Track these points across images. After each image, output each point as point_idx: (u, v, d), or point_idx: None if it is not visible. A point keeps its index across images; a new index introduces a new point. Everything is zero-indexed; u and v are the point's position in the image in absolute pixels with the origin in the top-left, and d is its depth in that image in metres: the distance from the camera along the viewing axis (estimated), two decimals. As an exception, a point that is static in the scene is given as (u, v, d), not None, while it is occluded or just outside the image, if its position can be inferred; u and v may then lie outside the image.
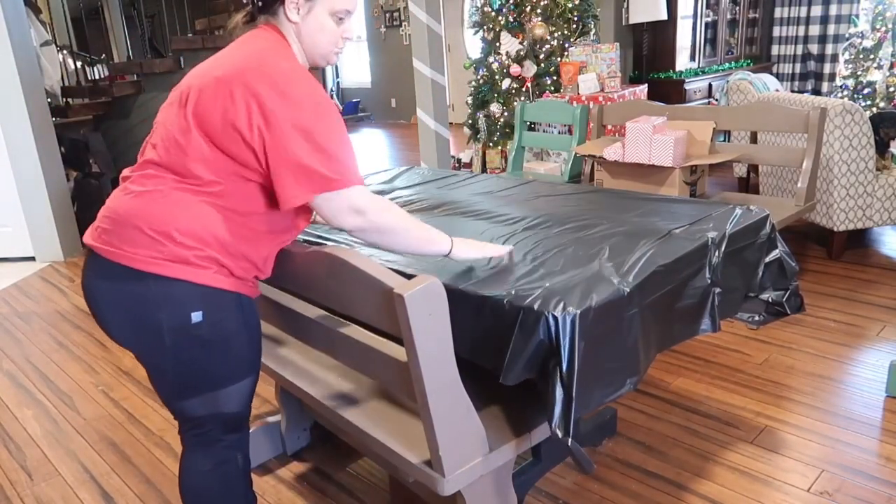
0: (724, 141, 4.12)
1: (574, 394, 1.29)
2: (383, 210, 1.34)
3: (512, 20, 5.03)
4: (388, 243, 1.39)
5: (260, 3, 1.37)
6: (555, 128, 4.59)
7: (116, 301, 1.30)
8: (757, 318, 1.88)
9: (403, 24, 9.75)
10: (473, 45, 6.67)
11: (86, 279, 1.35)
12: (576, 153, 3.49)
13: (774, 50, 6.95)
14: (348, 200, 1.30)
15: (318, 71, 10.78)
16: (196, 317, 1.29)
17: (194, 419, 1.41)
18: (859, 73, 5.77)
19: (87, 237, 1.36)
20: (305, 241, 1.89)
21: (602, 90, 4.61)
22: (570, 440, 1.30)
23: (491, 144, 5.29)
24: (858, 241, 3.79)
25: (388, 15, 10.01)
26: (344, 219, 1.31)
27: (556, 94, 4.75)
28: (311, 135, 1.25)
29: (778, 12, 6.85)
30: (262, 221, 1.36)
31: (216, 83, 1.27)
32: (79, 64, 6.56)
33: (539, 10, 4.90)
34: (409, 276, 1.22)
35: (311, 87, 1.28)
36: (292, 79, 1.27)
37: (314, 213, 1.44)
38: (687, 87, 5.93)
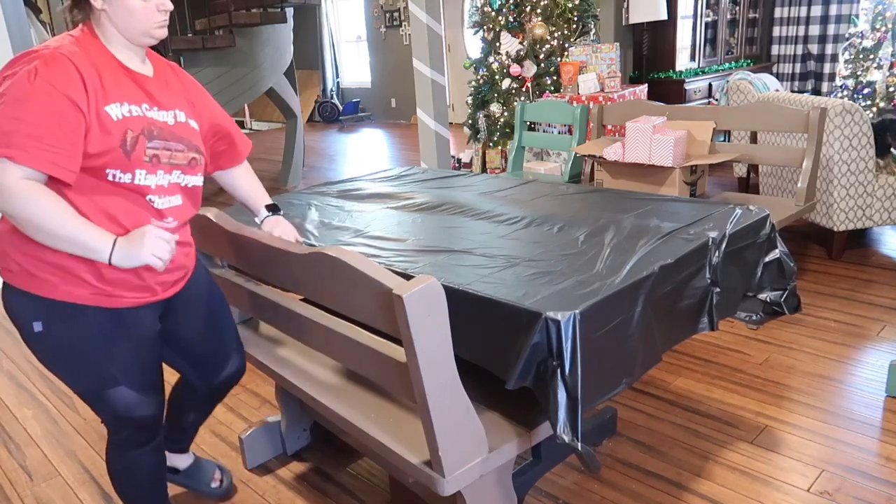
0: (724, 141, 4.12)
1: (579, 396, 1.29)
2: (7, 192, 1.26)
3: (512, 20, 5.03)
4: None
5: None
6: (555, 128, 4.59)
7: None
8: (755, 317, 1.89)
9: (403, 24, 9.75)
10: (473, 45, 6.67)
11: None
12: (576, 153, 3.49)
13: (774, 50, 6.95)
14: None
15: (318, 71, 10.79)
16: (37, 327, 1.43)
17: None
18: (859, 73, 5.76)
19: None
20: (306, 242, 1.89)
21: (602, 90, 4.61)
22: (579, 444, 1.30)
23: (491, 144, 5.29)
24: (858, 241, 3.79)
25: (388, 15, 10.00)
26: None
27: (556, 94, 4.75)
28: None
29: (778, 12, 6.84)
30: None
31: None
32: (79, 64, 6.55)
33: (539, 10, 4.90)
34: (408, 277, 1.22)
35: (32, 62, 1.29)
36: (23, 55, 1.34)
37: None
38: (687, 87, 5.93)
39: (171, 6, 1.45)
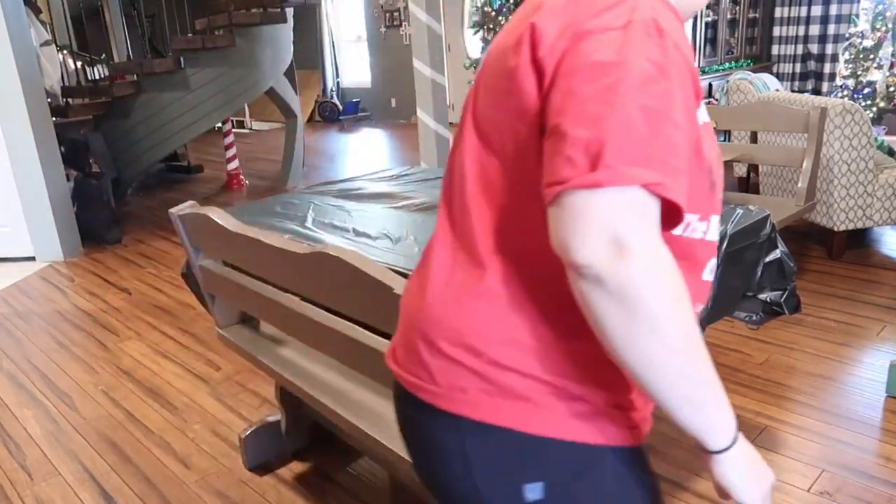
0: (724, 141, 4.12)
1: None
2: (658, 264, 0.63)
3: (512, 20, 5.03)
4: (621, 334, 0.64)
5: None
6: (555, 128, 4.58)
7: (429, 449, 0.82)
8: (755, 317, 1.89)
9: (403, 24, 9.74)
10: (473, 45, 6.67)
11: (400, 410, 0.90)
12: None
13: (774, 50, 6.95)
14: (609, 213, 0.62)
15: (318, 71, 10.79)
16: (534, 492, 0.76)
17: None
18: (859, 72, 5.77)
19: (389, 353, 0.91)
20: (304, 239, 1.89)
21: (602, 90, 4.61)
22: None
23: (491, 144, 5.29)
24: (858, 241, 3.79)
25: (388, 15, 10.00)
26: (586, 243, 0.62)
27: (556, 94, 4.75)
28: (610, 85, 0.65)
29: (778, 12, 6.84)
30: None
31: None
32: (79, 64, 6.55)
33: (539, 10, 4.90)
34: (408, 277, 1.22)
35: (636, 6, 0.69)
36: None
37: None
38: (687, 86, 5.93)
39: None
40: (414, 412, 0.83)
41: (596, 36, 0.68)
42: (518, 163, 0.75)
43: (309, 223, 2.11)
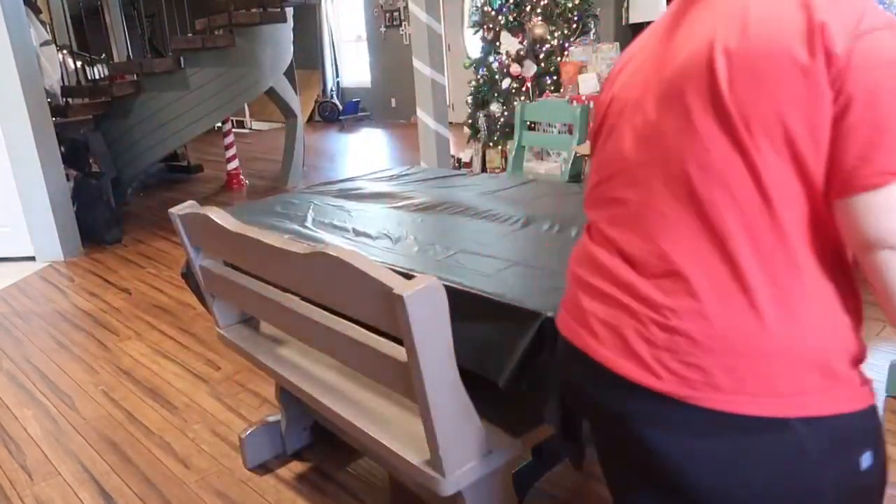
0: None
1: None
2: None
3: (512, 20, 5.03)
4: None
5: None
6: (555, 127, 4.59)
7: (733, 463, 0.83)
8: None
9: (403, 23, 9.75)
10: (473, 45, 6.67)
11: (654, 433, 0.88)
12: (576, 153, 3.49)
13: (774, 50, 6.96)
14: None
15: (318, 71, 10.79)
16: (867, 460, 0.85)
17: None
18: (859, 72, 5.77)
19: (638, 370, 0.87)
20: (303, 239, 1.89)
21: (602, 90, 4.61)
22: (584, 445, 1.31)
23: (491, 144, 5.29)
24: (858, 241, 3.79)
25: (388, 15, 10.00)
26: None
27: (556, 94, 4.75)
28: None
29: (778, 12, 6.85)
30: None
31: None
32: (79, 64, 6.56)
33: (539, 10, 4.90)
34: (408, 277, 1.22)
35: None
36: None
37: None
38: (687, 86, 5.92)
39: None
40: (704, 430, 0.84)
41: (871, 35, 0.76)
42: (809, 155, 0.78)
43: (309, 223, 2.11)
